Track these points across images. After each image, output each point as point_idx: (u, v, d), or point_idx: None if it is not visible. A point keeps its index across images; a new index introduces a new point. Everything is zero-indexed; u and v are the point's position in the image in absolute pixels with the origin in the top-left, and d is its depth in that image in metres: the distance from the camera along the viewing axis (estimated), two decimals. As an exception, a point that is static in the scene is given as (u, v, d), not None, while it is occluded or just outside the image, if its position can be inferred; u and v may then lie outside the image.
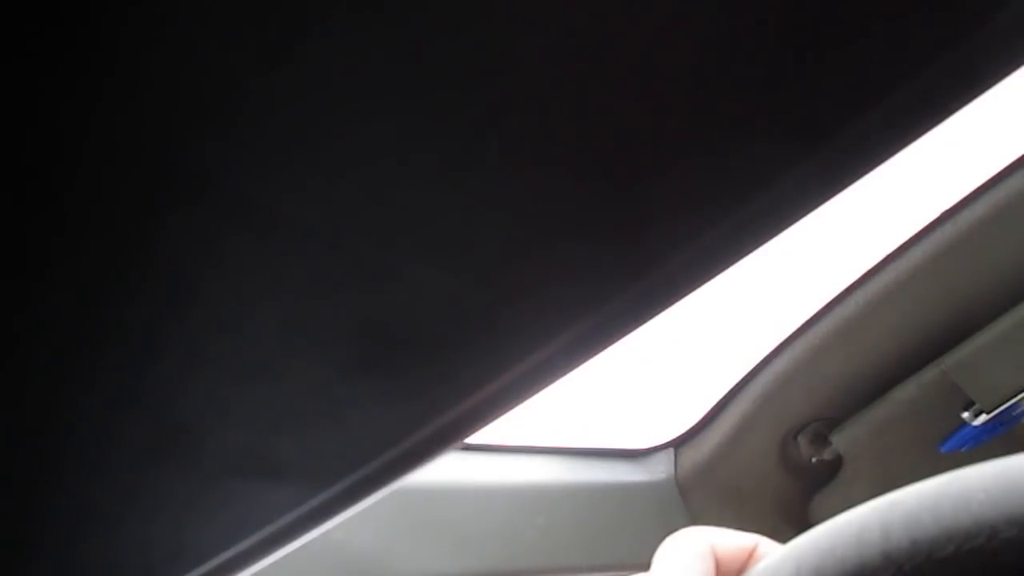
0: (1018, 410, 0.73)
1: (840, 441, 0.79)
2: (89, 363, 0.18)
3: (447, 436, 0.20)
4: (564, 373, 0.19)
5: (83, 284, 0.17)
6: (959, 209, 0.69)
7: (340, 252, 0.17)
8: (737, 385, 0.80)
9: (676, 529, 0.32)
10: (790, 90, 0.16)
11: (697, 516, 0.82)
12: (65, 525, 0.20)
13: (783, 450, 0.81)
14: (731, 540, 0.31)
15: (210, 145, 0.16)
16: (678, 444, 0.84)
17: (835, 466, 0.82)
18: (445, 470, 0.71)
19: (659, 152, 0.17)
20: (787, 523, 0.83)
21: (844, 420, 0.79)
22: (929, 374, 0.75)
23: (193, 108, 0.15)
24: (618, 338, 0.19)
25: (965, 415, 0.74)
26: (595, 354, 0.19)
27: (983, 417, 0.73)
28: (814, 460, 0.81)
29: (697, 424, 0.83)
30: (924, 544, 0.23)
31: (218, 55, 0.15)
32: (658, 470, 0.83)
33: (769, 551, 0.31)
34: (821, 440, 0.81)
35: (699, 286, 0.18)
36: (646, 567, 0.32)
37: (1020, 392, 0.72)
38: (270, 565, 0.22)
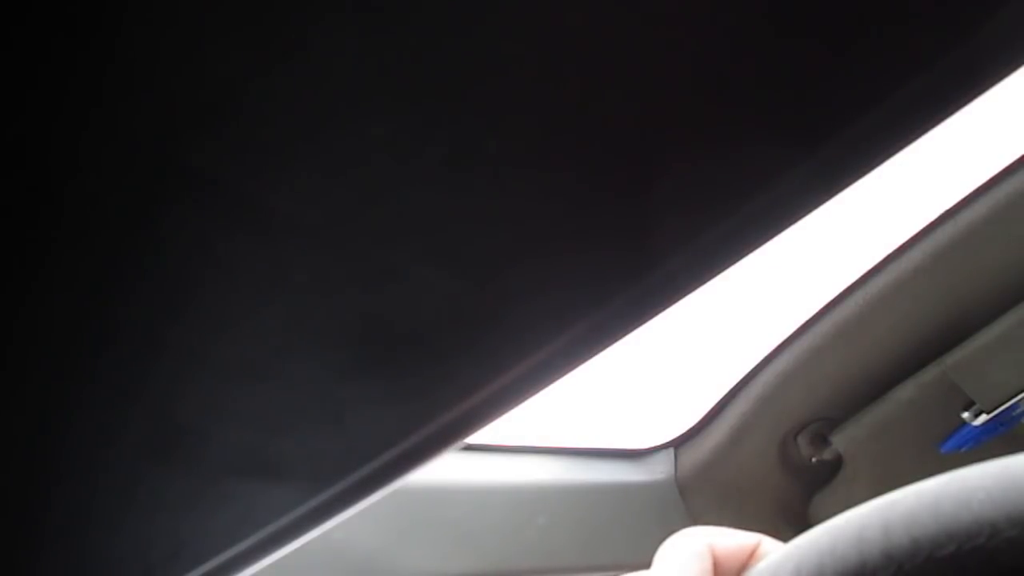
0: (1018, 410, 0.73)
1: (840, 441, 0.79)
2: (89, 363, 0.18)
3: (447, 436, 0.20)
4: (564, 373, 0.19)
5: (83, 284, 0.17)
6: (959, 209, 0.69)
7: (340, 252, 0.17)
8: (737, 385, 0.80)
9: (676, 529, 0.32)
10: (791, 90, 0.16)
11: (697, 516, 0.82)
12: (65, 524, 0.20)
13: (783, 450, 0.81)
14: (732, 539, 0.31)
15: (210, 145, 0.16)
16: (678, 444, 0.84)
17: (835, 466, 0.82)
18: (445, 470, 0.71)
19: (659, 152, 0.17)
20: (787, 523, 0.83)
21: (844, 420, 0.79)
22: (929, 374, 0.75)
23: (193, 108, 0.15)
24: (618, 338, 0.19)
25: (965, 415, 0.74)
26: (595, 354, 0.19)
27: (983, 417, 0.73)
28: (814, 460, 0.81)
29: (697, 424, 0.83)
30: (925, 543, 0.23)
31: (218, 55, 0.15)
32: (658, 470, 0.83)
33: (770, 550, 0.31)
34: (821, 440, 0.81)
35: (699, 286, 0.18)
36: (646, 567, 0.31)
37: (1020, 392, 0.72)
38: (270, 565, 0.22)
